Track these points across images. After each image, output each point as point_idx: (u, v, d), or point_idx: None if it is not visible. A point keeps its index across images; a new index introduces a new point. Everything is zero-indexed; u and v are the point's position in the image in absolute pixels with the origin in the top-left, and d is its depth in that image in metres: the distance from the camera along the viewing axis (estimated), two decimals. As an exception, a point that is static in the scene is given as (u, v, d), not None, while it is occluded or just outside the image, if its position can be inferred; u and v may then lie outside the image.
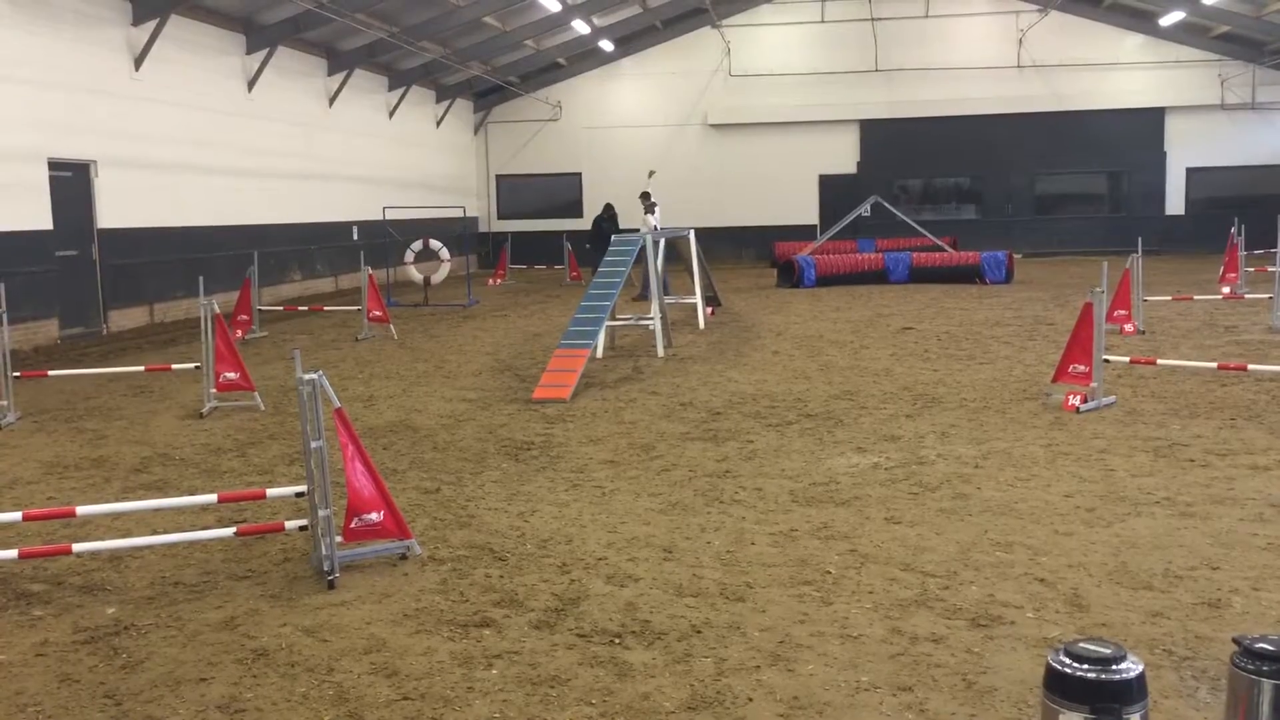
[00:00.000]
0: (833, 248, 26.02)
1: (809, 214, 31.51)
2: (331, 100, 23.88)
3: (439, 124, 30.02)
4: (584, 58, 31.51)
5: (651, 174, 24.52)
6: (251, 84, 20.68)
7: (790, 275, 22.85)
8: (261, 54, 20.71)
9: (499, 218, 33.02)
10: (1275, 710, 1.62)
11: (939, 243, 25.10)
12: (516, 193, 32.94)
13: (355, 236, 24.59)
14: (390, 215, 22.43)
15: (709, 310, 16.95)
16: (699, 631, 4.77)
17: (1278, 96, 29.88)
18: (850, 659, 4.45)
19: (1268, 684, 1.63)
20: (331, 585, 5.42)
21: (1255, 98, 29.81)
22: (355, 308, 16.74)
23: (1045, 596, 5.08)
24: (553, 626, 4.86)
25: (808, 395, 10.44)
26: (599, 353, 13.09)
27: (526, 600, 5.20)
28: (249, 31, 20.52)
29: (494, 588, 5.38)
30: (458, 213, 25.36)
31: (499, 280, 26.37)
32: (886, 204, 25.42)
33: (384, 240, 22.61)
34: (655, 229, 19.95)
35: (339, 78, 23.93)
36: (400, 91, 27.02)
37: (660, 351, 13.40)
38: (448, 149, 30.77)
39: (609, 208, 23.95)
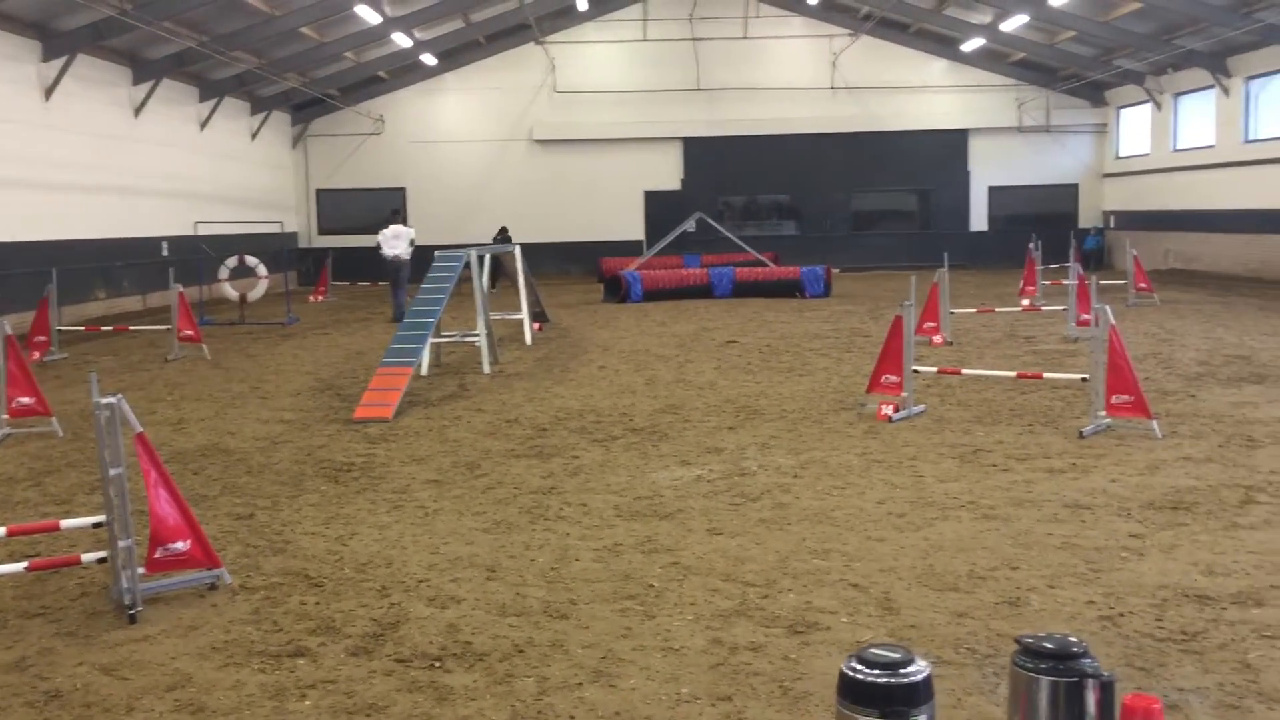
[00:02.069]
0: (659, 263, 26.35)
1: (635, 229, 31.85)
2: (137, 111, 22.83)
3: (254, 136, 29.07)
4: (406, 71, 31.06)
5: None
6: (49, 93, 19.59)
7: (617, 290, 23.02)
8: (59, 62, 19.64)
9: (320, 233, 32.16)
10: (1053, 706, 1.70)
11: (761, 258, 25.72)
12: (338, 207, 32.17)
13: (165, 252, 23.54)
14: (203, 230, 21.58)
15: (536, 326, 16.91)
16: (521, 651, 4.72)
17: (1070, 120, 31.84)
18: (672, 672, 4.48)
19: (1045, 681, 1.71)
20: (133, 620, 5.15)
21: (1050, 121, 31.69)
22: (165, 327, 16.01)
23: (859, 601, 5.23)
24: (371, 653, 4.74)
25: (633, 410, 10.52)
26: (424, 370, 12.88)
27: (344, 627, 5.05)
28: (45, 38, 19.44)
29: (309, 615, 5.21)
30: (275, 228, 24.63)
31: (320, 297, 25.67)
32: (710, 220, 25.90)
33: (196, 256, 21.72)
34: (379, 245, 20.20)
35: (145, 87, 22.90)
36: (212, 103, 26.06)
37: (486, 368, 13.29)
38: (264, 162, 29.82)
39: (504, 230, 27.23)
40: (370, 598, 5.44)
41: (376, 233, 20.79)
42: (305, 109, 31.13)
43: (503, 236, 27.74)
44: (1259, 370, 11.80)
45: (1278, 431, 8.72)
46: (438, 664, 4.60)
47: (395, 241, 20.19)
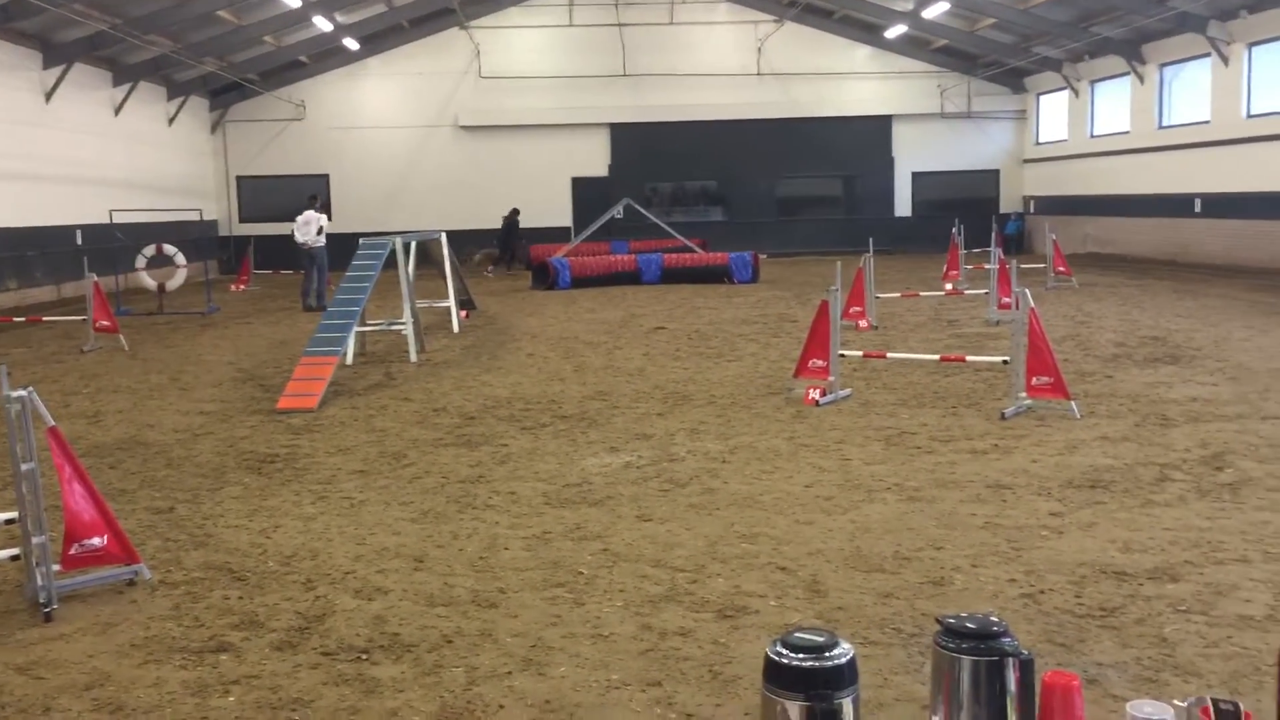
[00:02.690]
0: (587, 250, 26.28)
1: (563, 216, 31.72)
2: (48, 95, 22.15)
3: (171, 122, 28.39)
4: (328, 56, 30.56)
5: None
6: (-46, 76, 18.95)
7: (545, 277, 22.92)
8: (-35, 43, 19.01)
9: (241, 221, 31.55)
10: (974, 684, 1.72)
11: (689, 244, 25.77)
12: (259, 195, 31.56)
13: (79, 241, 22.92)
14: (119, 219, 21.03)
15: (463, 314, 16.78)
16: (450, 641, 4.68)
17: (990, 106, 32.34)
18: (601, 658, 4.47)
19: (966, 660, 1.73)
20: (48, 618, 5.01)
21: (971, 107, 32.16)
22: (80, 318, 15.61)
23: (787, 584, 5.27)
24: (296, 646, 4.66)
25: (562, 397, 10.48)
26: (349, 359, 12.71)
27: (268, 621, 4.96)
28: (-51, 18, 18.80)
29: (232, 610, 5.11)
30: (194, 216, 24.09)
31: (242, 286, 25.22)
32: (638, 206, 25.88)
33: (112, 245, 21.17)
34: (293, 233, 20.02)
35: (56, 72, 22.21)
36: (127, 87, 25.38)
37: (413, 357, 13.15)
38: (182, 149, 29.14)
39: (515, 211, 28.07)
40: (295, 591, 5.35)
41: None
42: (224, 94, 30.48)
43: (512, 218, 28.25)
44: (1173, 351, 12.11)
45: (1191, 411, 8.95)
46: (364, 656, 4.55)
47: (305, 228, 19.89)
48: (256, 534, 6.32)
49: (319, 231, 19.89)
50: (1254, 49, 22.53)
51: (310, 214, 20.04)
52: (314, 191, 21.84)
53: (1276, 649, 4.03)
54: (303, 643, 4.70)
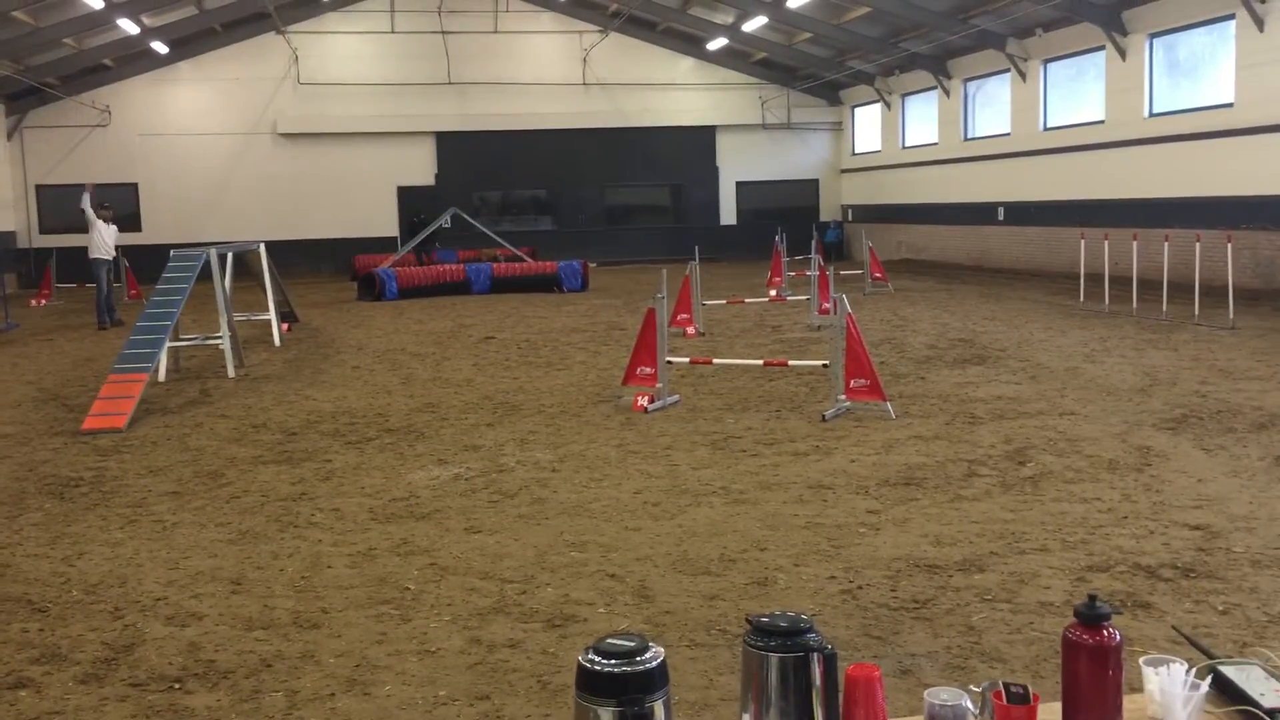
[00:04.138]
0: (414, 259, 25.89)
1: (389, 226, 31.17)
2: None
3: (-37, 127, 26.67)
4: (135, 59, 29.21)
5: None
6: None
7: (371, 288, 22.47)
8: None
9: (42, 232, 29.83)
10: (783, 681, 1.77)
11: (518, 253, 25.70)
12: (62, 204, 29.83)
13: None
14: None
15: (284, 326, 16.28)
16: (270, 665, 4.53)
17: (809, 118, 33.37)
18: (429, 675, 4.41)
19: (774, 658, 1.78)
20: None
21: (791, 118, 33.10)
22: None
23: (616, 591, 5.30)
24: (102, 679, 4.43)
25: (389, 410, 10.30)
26: (161, 376, 12.18)
27: (71, 653, 4.70)
28: None
29: (32, 643, 4.83)
30: (-11, 227, 22.65)
31: (43, 301, 23.88)
32: (466, 215, 25.65)
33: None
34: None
35: None
36: (-89, 89, 23.75)
37: (231, 372, 12.69)
38: (-25, 155, 27.38)
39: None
40: (101, 620, 5.09)
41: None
42: (21, 99, 28.76)
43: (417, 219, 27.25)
44: (980, 352, 12.72)
45: (996, 409, 9.42)
46: (177, 685, 4.36)
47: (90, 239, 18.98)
48: (59, 562, 5.98)
49: (100, 241, 18.85)
50: (1049, 65, 23.93)
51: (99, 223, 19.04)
52: (104, 200, 20.50)
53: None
54: (110, 674, 4.48)
